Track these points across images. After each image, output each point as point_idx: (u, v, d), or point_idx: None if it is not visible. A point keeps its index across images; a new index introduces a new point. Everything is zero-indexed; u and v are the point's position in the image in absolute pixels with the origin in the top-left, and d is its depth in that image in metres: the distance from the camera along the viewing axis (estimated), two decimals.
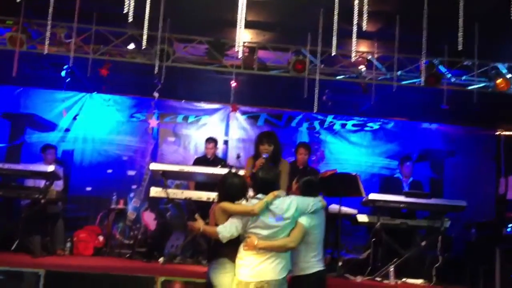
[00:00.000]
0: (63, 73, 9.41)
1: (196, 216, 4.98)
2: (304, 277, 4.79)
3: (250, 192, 6.26)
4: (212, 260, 4.83)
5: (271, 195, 4.70)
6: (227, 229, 4.62)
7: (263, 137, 6.23)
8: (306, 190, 5.02)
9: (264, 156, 5.99)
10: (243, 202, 4.80)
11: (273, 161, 6.09)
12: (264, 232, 4.61)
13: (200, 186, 7.80)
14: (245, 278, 4.58)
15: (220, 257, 4.71)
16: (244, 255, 4.64)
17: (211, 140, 8.67)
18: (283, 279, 4.64)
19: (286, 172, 6.19)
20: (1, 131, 9.65)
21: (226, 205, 4.75)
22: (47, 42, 7.66)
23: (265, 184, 4.83)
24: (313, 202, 4.84)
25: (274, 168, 5.15)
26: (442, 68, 8.63)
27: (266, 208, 4.64)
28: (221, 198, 4.83)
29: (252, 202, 4.76)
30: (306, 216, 4.75)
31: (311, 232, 4.77)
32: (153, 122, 9.83)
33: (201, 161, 8.46)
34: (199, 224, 4.81)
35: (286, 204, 4.72)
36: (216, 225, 4.71)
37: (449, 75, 8.72)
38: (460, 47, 6.39)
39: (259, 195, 4.79)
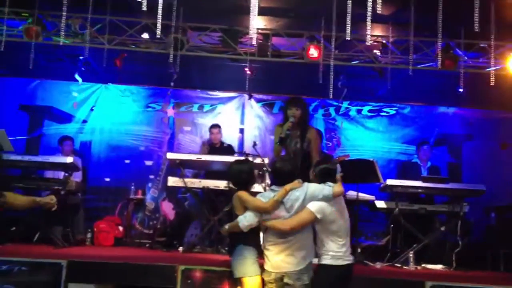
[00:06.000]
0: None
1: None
2: (333, 267, 4.69)
3: (267, 180, 6.31)
4: (231, 249, 4.98)
5: (283, 191, 4.72)
6: (246, 219, 4.74)
7: (290, 101, 6.24)
8: (323, 178, 4.88)
9: (291, 120, 5.99)
10: (262, 190, 4.88)
11: (301, 126, 6.11)
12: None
13: (211, 175, 7.78)
14: (267, 267, 4.75)
15: (237, 243, 4.86)
16: (267, 244, 4.79)
17: (216, 126, 8.75)
18: (301, 269, 4.68)
19: (316, 139, 6.22)
20: (20, 123, 9.70)
21: (244, 196, 4.85)
22: (62, 34, 7.69)
23: (281, 175, 4.85)
24: (323, 188, 4.74)
25: (292, 159, 5.13)
26: (458, 51, 8.52)
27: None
28: (234, 185, 5.01)
29: (268, 193, 4.87)
30: (314, 202, 4.70)
31: (330, 220, 4.70)
32: (170, 112, 9.85)
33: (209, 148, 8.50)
34: (224, 227, 4.96)
35: (296, 195, 4.72)
36: (235, 214, 4.84)
37: (466, 58, 8.62)
38: (476, 29, 6.29)
39: (274, 187, 4.86)
